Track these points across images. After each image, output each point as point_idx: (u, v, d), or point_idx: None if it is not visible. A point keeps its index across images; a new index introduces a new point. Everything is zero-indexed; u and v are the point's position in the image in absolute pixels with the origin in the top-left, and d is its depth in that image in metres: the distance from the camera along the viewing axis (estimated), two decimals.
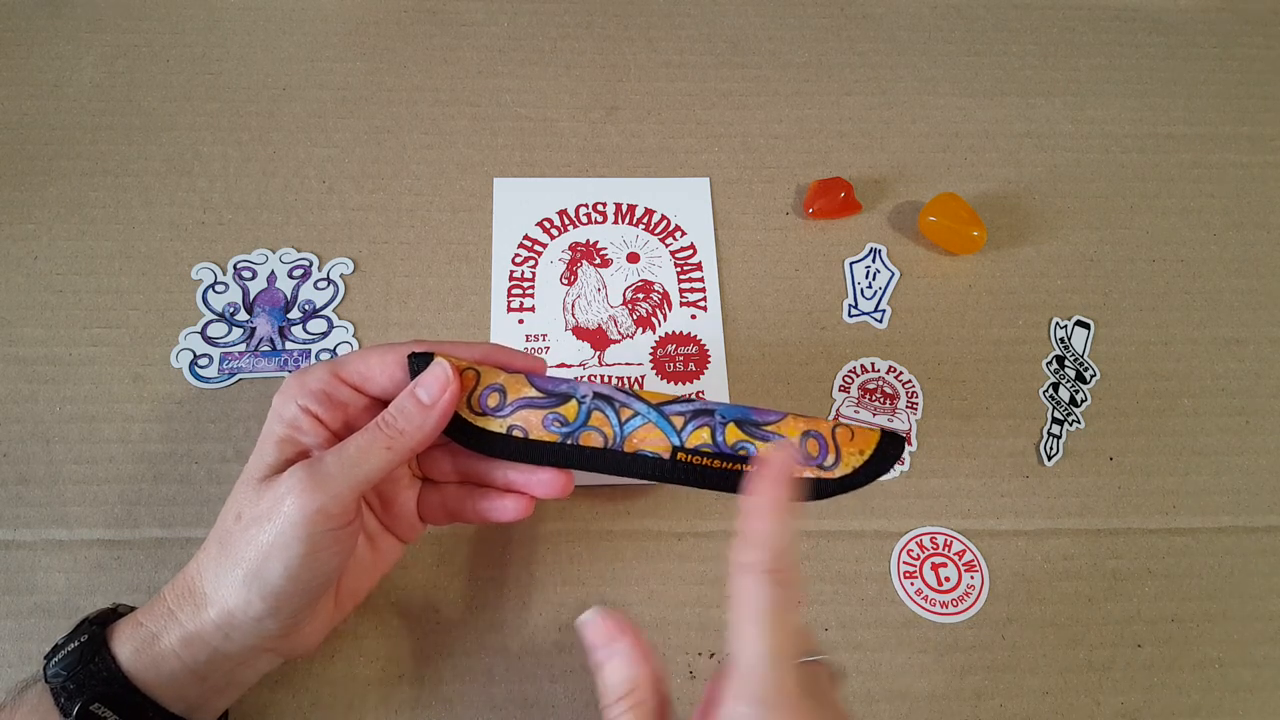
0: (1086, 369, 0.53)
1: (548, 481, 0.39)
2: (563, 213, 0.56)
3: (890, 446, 0.37)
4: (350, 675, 0.44)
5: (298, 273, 0.53)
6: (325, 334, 0.51)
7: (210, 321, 0.51)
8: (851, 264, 0.56)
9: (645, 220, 0.57)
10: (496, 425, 0.37)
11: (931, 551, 0.47)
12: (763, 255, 0.56)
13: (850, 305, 0.54)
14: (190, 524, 0.46)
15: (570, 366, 0.51)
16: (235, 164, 0.57)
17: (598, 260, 0.55)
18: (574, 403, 0.37)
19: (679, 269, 0.55)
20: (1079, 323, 0.54)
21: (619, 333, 0.53)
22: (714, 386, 0.51)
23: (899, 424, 0.51)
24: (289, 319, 0.51)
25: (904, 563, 0.47)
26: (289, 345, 0.51)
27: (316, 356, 0.50)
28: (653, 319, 0.53)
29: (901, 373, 0.52)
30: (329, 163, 0.57)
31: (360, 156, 0.58)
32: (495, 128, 0.59)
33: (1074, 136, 0.61)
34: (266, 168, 0.57)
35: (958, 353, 0.53)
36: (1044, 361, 0.53)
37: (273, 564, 0.33)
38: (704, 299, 0.54)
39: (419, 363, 0.37)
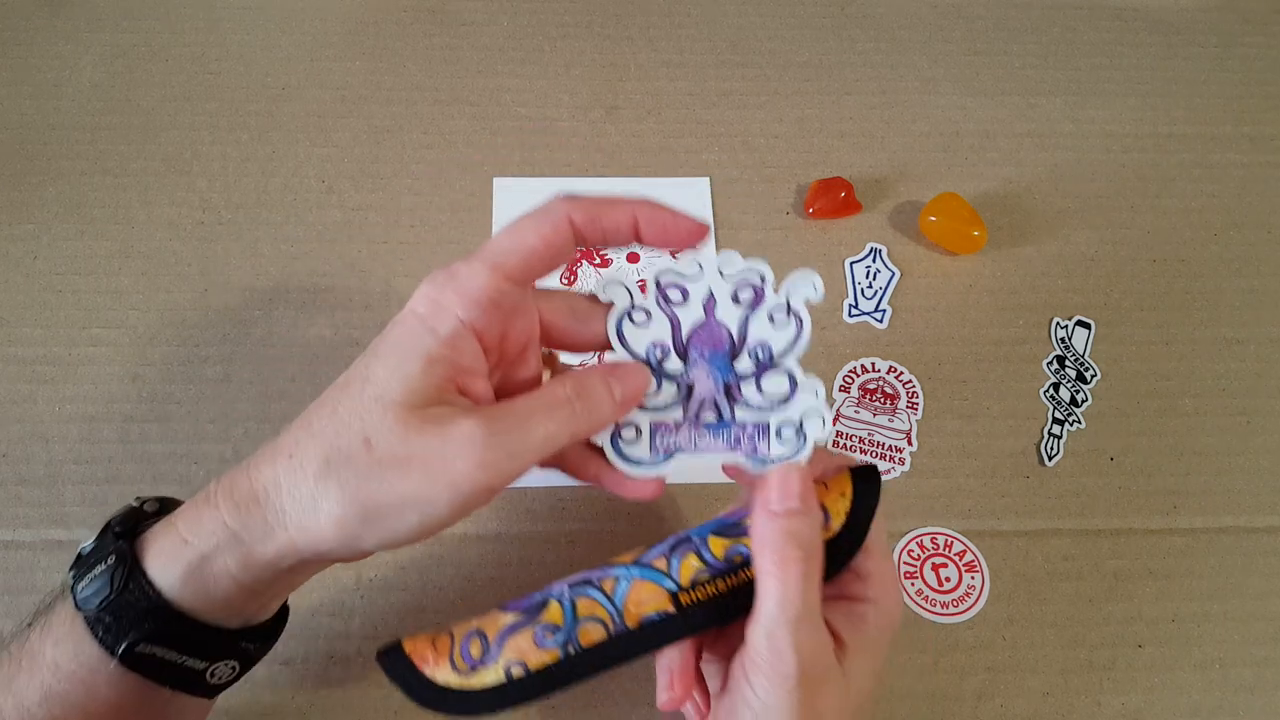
0: (1087, 369, 0.53)
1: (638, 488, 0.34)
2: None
3: (865, 478, 0.34)
4: (350, 676, 0.44)
5: (745, 295, 0.35)
6: (787, 399, 0.34)
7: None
8: (851, 264, 0.56)
9: None
10: (492, 675, 0.32)
11: (932, 552, 0.47)
12: (763, 255, 0.55)
13: (850, 305, 0.54)
14: None
15: (570, 366, 0.51)
16: (234, 164, 0.57)
17: (597, 260, 0.55)
18: (554, 604, 0.33)
19: None
20: (1079, 323, 0.54)
21: None
22: None
23: (898, 427, 0.51)
24: (738, 371, 0.34)
25: (904, 563, 0.47)
26: (740, 415, 0.34)
27: (777, 434, 0.34)
28: None
29: (902, 373, 0.52)
30: (328, 162, 0.57)
31: (360, 156, 0.58)
32: (495, 128, 0.59)
33: (1074, 136, 0.61)
34: (266, 168, 0.57)
35: (958, 353, 0.53)
36: (1044, 361, 0.53)
37: (404, 518, 0.28)
38: None
39: (388, 660, 0.33)
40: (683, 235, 0.33)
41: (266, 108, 0.59)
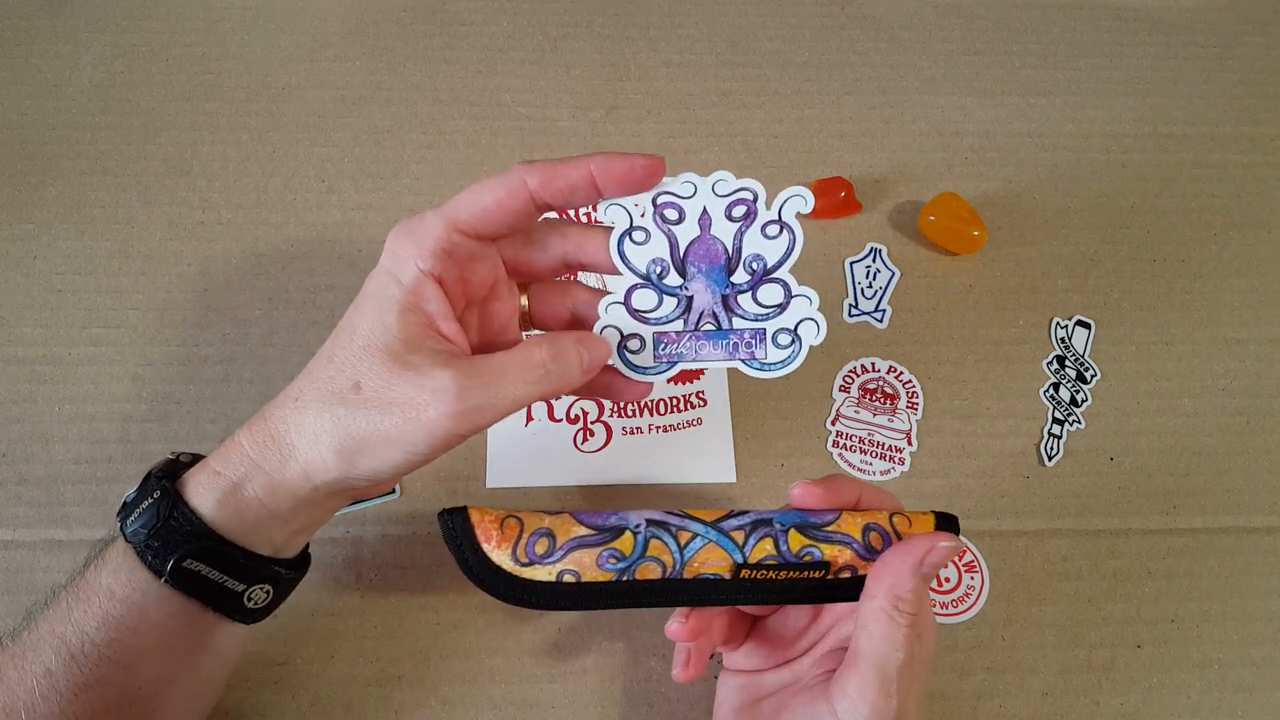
0: (1087, 369, 0.53)
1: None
2: (562, 212, 0.56)
3: (946, 527, 0.36)
4: (349, 676, 0.44)
5: (739, 211, 0.37)
6: (783, 307, 0.37)
7: (635, 287, 0.37)
8: (851, 264, 0.56)
9: None
10: (545, 573, 0.34)
11: None
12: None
13: (850, 305, 0.54)
14: None
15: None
16: (234, 164, 0.57)
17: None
18: (629, 535, 0.35)
19: None
20: (1079, 323, 0.54)
21: None
22: (714, 387, 0.51)
23: (897, 427, 0.51)
24: (734, 284, 0.37)
25: None
26: (738, 324, 0.37)
27: (774, 339, 0.37)
28: None
29: (902, 373, 0.52)
30: (328, 162, 0.57)
31: (360, 156, 0.58)
32: (495, 128, 0.59)
33: (1074, 136, 0.61)
34: (266, 167, 0.57)
35: (958, 353, 0.53)
36: (1044, 361, 0.53)
37: (389, 453, 0.32)
38: None
39: (450, 524, 0.35)
40: (640, 174, 0.35)
41: (266, 108, 0.59)
